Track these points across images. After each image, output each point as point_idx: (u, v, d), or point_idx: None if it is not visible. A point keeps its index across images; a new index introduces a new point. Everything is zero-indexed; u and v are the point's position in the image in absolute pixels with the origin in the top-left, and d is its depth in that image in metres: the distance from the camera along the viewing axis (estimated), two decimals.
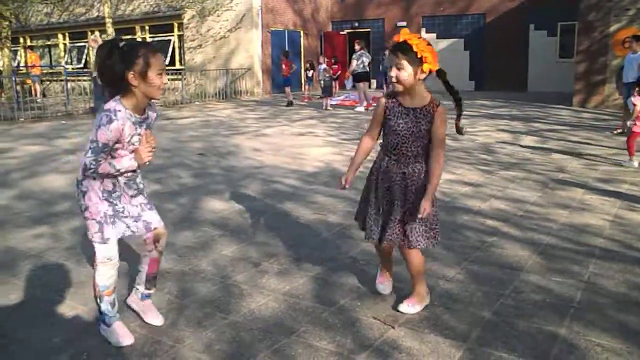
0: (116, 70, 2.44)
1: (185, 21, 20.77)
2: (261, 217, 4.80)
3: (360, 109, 14.62)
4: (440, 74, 2.81)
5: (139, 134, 2.57)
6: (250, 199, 5.45)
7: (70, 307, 3.09)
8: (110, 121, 2.43)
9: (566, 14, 18.74)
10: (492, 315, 2.92)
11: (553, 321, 2.84)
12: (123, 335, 2.71)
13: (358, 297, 3.17)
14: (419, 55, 2.67)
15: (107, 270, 2.68)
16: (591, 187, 5.76)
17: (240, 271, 3.58)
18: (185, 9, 20.29)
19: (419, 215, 2.72)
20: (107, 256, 2.65)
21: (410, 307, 2.99)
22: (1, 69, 18.64)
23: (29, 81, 19.99)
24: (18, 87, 16.43)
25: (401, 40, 2.71)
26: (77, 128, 11.73)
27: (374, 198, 2.94)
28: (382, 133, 2.93)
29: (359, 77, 14.66)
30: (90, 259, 3.81)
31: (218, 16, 19.85)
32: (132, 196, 2.74)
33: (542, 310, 2.97)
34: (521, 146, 8.47)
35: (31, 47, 23.75)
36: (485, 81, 20.99)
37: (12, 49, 20.52)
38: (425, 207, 2.70)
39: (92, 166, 2.48)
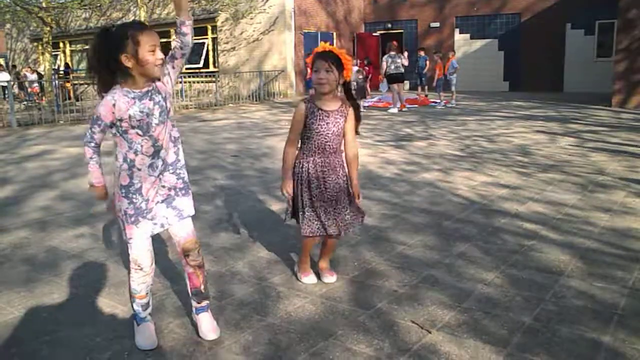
0: (111, 55, 2.40)
1: (219, 24, 21.00)
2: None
3: (394, 110, 14.57)
4: (346, 84, 3.24)
5: (145, 108, 2.49)
6: (286, 200, 5.45)
7: (111, 307, 3.14)
8: (102, 98, 2.49)
9: (604, 12, 18.38)
10: (533, 320, 2.87)
11: (597, 328, 2.77)
12: (146, 338, 2.70)
13: (395, 301, 3.15)
14: (342, 63, 3.11)
15: (135, 275, 2.68)
16: (633, 189, 5.62)
17: (276, 273, 3.60)
18: (219, 12, 20.51)
19: (356, 200, 3.28)
20: (133, 259, 2.66)
21: (334, 276, 3.46)
22: (43, 73, 19.14)
23: (67, 85, 20.45)
24: (58, 91, 16.84)
25: (327, 50, 3.14)
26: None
27: (308, 197, 3.23)
28: (301, 136, 3.27)
29: (393, 79, 14.60)
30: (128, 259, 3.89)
31: (251, 19, 20.02)
32: (156, 176, 2.59)
33: (585, 317, 2.90)
34: (558, 148, 8.31)
35: None
36: (520, 82, 20.70)
37: (53, 53, 21.04)
38: (356, 191, 3.27)
39: (87, 136, 2.54)
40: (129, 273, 2.72)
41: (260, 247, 4.13)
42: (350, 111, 3.23)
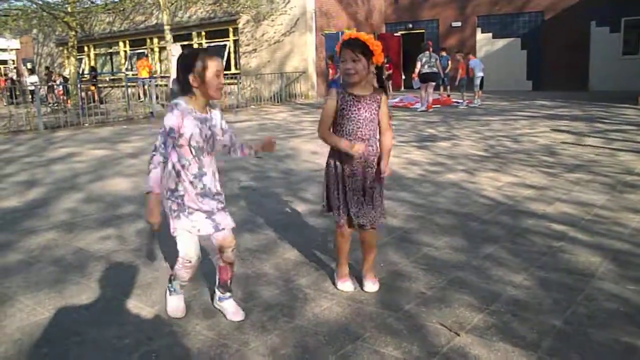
0: (181, 74, 2.75)
1: (240, 26, 21.10)
2: (321, 220, 4.80)
3: (422, 108, 14.59)
4: (378, 67, 3.14)
5: (203, 135, 2.78)
6: (310, 202, 5.45)
7: (139, 308, 3.16)
8: (171, 110, 2.73)
9: (630, 9, 18.08)
10: (564, 324, 2.82)
11: (631, 332, 2.71)
12: (174, 308, 3.07)
13: (423, 302, 3.12)
14: (371, 49, 3.01)
15: (182, 266, 2.94)
16: None
17: (302, 274, 3.59)
18: (241, 14, 20.60)
19: (382, 175, 3.13)
20: (181, 253, 2.88)
21: (377, 285, 3.32)
22: (68, 76, 19.42)
23: (92, 88, 20.73)
24: (82, 94, 17.08)
25: (353, 37, 3.04)
26: (137, 132, 12.09)
27: (342, 186, 3.20)
28: (334, 126, 3.20)
29: (425, 78, 14.55)
30: (156, 260, 3.92)
31: (272, 20, 20.07)
32: (197, 194, 2.83)
33: (618, 320, 2.84)
34: (585, 147, 8.17)
35: (141, 55, 24.32)
36: (544, 81, 20.44)
37: (77, 57, 21.33)
38: (385, 169, 3.12)
39: (161, 149, 2.66)
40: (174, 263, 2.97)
41: (286, 248, 4.12)
42: (384, 98, 3.15)
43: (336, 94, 3.13)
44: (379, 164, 3.19)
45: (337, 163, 3.20)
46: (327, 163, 3.28)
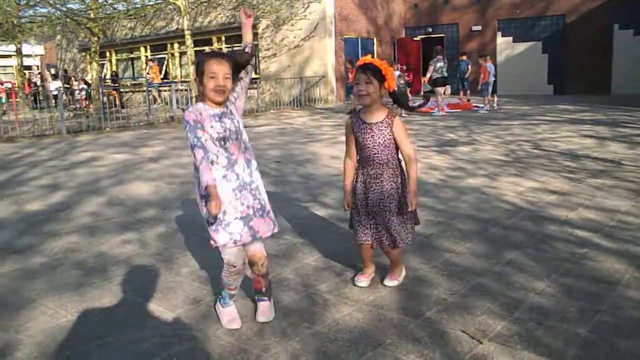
0: (196, 76, 2.83)
1: (260, 31, 21.18)
2: (342, 225, 4.79)
3: (438, 113, 14.52)
4: (391, 94, 3.26)
5: (225, 124, 2.79)
6: (330, 207, 5.45)
7: (159, 312, 3.17)
8: (187, 108, 2.82)
9: None
10: (589, 332, 2.76)
11: None
12: (229, 320, 2.99)
13: (444, 309, 3.09)
14: (383, 73, 3.14)
15: (228, 273, 2.91)
16: None
17: (323, 280, 3.58)
18: (260, 19, 20.69)
19: (409, 209, 3.24)
20: (226, 260, 2.85)
21: (394, 281, 3.43)
22: (90, 81, 19.69)
23: (113, 93, 20.97)
24: (104, 99, 17.29)
25: (367, 62, 3.19)
26: (158, 137, 12.19)
27: (362, 207, 3.30)
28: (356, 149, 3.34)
29: (438, 82, 14.56)
30: (176, 264, 3.93)
31: (292, 25, 20.14)
32: (232, 190, 2.79)
33: None
34: (608, 152, 8.05)
35: (152, 59, 24.54)
36: (565, 85, 20.20)
37: (100, 62, 21.60)
38: (412, 200, 3.22)
39: (194, 142, 2.63)
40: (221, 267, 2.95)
41: (306, 253, 4.11)
42: (397, 121, 3.22)
43: (350, 122, 3.31)
44: (403, 188, 3.30)
45: (355, 181, 3.35)
46: (354, 183, 3.40)
